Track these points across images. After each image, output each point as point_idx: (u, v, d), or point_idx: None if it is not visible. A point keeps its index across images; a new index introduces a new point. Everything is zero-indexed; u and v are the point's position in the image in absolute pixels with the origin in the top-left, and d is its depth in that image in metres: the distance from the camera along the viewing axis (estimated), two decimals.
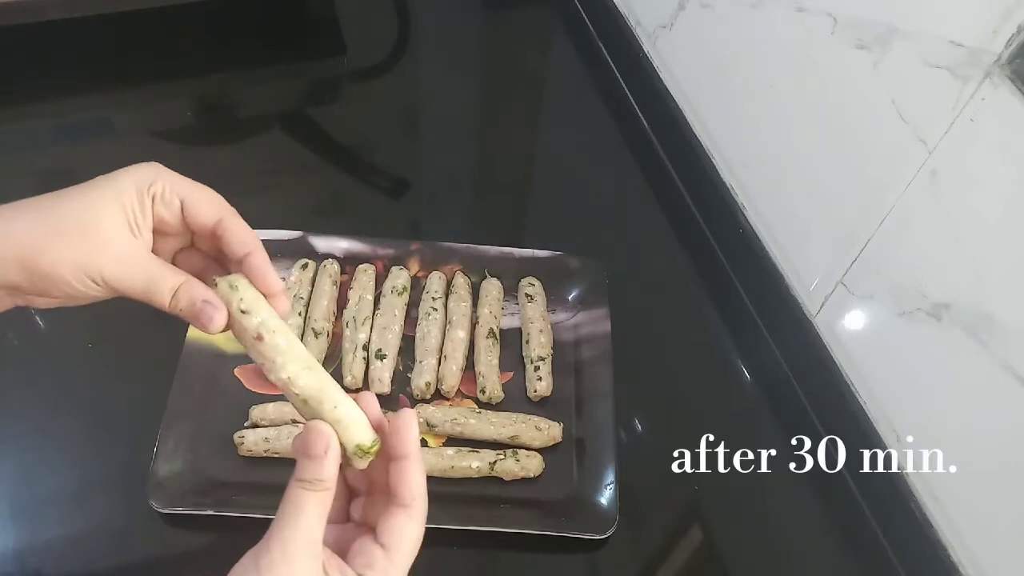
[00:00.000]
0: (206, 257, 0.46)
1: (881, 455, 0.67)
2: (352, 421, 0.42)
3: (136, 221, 0.41)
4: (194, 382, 0.71)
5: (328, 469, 0.40)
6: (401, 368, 0.75)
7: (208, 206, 0.43)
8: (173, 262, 0.45)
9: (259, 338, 0.41)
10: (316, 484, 0.40)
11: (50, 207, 0.40)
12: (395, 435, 0.42)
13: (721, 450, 0.74)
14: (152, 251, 0.43)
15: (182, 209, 0.43)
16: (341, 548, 0.42)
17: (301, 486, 0.40)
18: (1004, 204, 0.54)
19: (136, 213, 0.41)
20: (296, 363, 0.42)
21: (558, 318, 0.80)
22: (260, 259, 0.43)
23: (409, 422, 0.43)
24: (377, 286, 0.80)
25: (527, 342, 0.77)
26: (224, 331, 0.42)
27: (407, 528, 0.42)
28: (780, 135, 0.76)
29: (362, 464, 0.42)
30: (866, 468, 0.69)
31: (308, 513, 0.40)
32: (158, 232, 0.43)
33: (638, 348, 0.78)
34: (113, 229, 0.40)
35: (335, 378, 0.43)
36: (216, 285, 0.42)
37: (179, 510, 0.63)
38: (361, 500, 0.45)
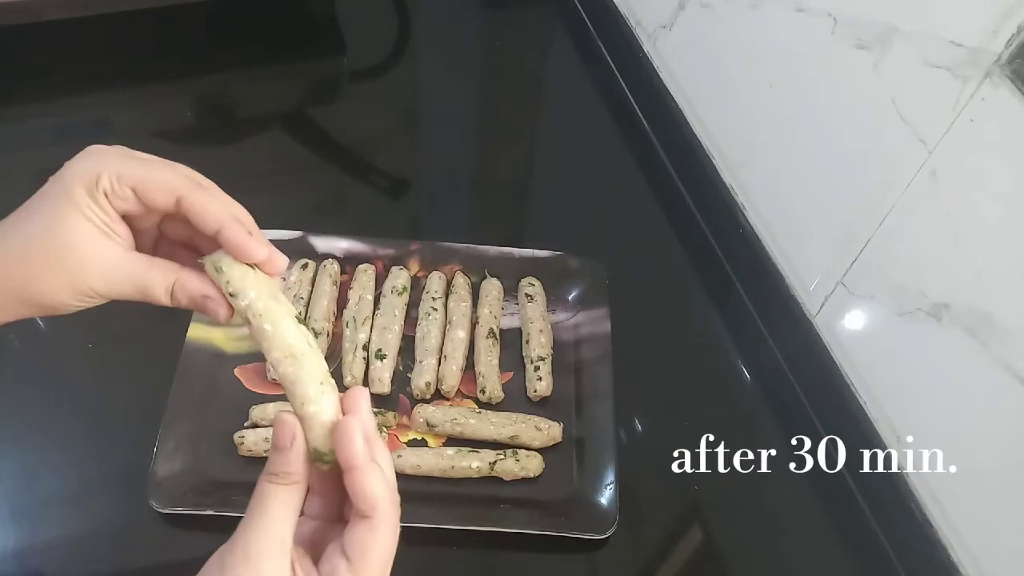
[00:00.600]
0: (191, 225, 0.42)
1: (881, 455, 0.67)
2: (317, 422, 0.39)
3: (105, 223, 0.39)
4: (194, 382, 0.71)
5: (294, 462, 0.39)
6: (401, 368, 0.75)
7: (160, 191, 0.40)
8: (161, 238, 0.43)
9: (247, 322, 0.40)
10: (283, 477, 0.38)
11: (22, 234, 0.39)
12: (337, 447, 0.39)
13: (721, 450, 0.74)
14: (136, 242, 0.41)
15: (136, 196, 0.40)
16: (321, 546, 0.40)
17: (268, 479, 0.39)
18: (1004, 204, 0.54)
19: (100, 215, 0.39)
20: (279, 350, 0.40)
21: (558, 318, 0.80)
22: (234, 232, 0.40)
23: (348, 431, 0.39)
24: (377, 286, 0.80)
25: (527, 342, 0.77)
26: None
27: (368, 540, 0.39)
28: (780, 135, 0.76)
29: (323, 468, 0.40)
30: (866, 468, 0.69)
31: (274, 509, 0.38)
32: (130, 220, 0.41)
33: (638, 348, 0.78)
34: (87, 241, 0.39)
35: (335, 378, 0.42)
36: (208, 268, 0.40)
37: (179, 510, 0.63)
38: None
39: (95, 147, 0.41)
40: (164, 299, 0.41)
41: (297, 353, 0.40)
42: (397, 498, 0.41)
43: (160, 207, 0.40)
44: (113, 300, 0.41)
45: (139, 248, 0.42)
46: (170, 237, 0.44)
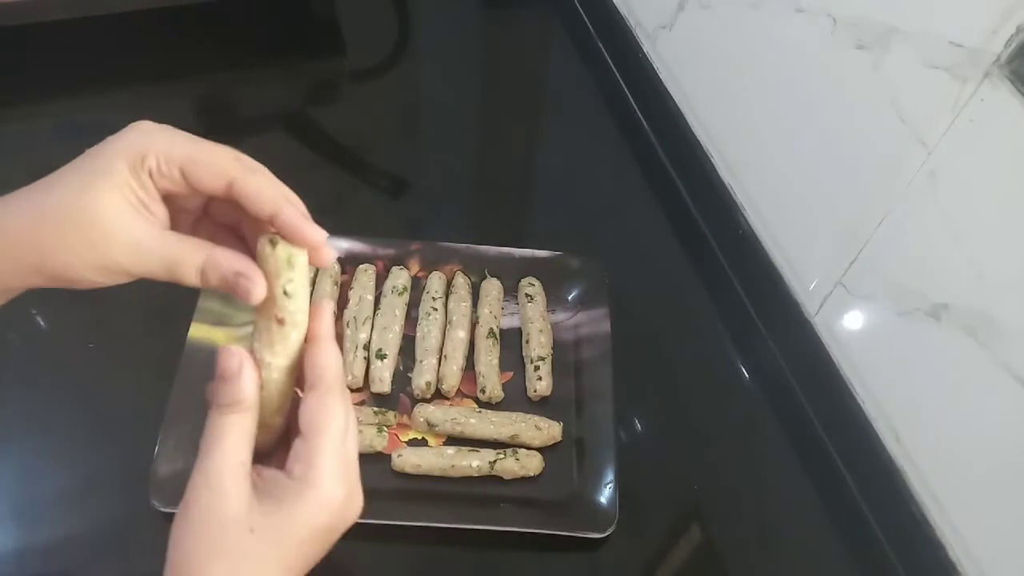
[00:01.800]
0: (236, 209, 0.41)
1: (881, 455, 0.67)
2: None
3: (141, 200, 0.38)
4: (194, 382, 0.71)
5: (245, 389, 0.38)
6: (401, 368, 0.76)
7: (210, 173, 0.38)
8: (202, 220, 0.42)
9: (280, 322, 0.39)
10: (235, 406, 0.38)
11: (49, 202, 0.37)
12: (312, 318, 0.40)
13: (721, 450, 0.74)
14: (172, 220, 0.40)
15: (183, 177, 0.39)
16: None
17: (219, 411, 0.38)
18: (1004, 204, 0.54)
19: (138, 192, 0.38)
20: (284, 359, 0.40)
21: (558, 318, 0.80)
22: (291, 215, 0.39)
23: (326, 310, 0.41)
24: (377, 286, 0.80)
25: (527, 342, 0.77)
26: None
27: (319, 409, 0.39)
28: (780, 135, 0.76)
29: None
30: (866, 468, 0.70)
31: (231, 437, 0.38)
32: (172, 199, 0.40)
33: (638, 348, 0.78)
34: (116, 216, 0.37)
35: None
36: (269, 251, 0.39)
37: None
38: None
39: (143, 123, 0.40)
40: (194, 278, 0.39)
41: (292, 367, 0.41)
42: (344, 380, 0.41)
43: (209, 189, 0.39)
44: (141, 279, 0.39)
45: (178, 229, 0.41)
46: (215, 219, 0.43)
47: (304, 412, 0.40)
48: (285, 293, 0.39)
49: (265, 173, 0.40)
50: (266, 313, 0.40)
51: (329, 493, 0.39)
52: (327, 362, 0.40)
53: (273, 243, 0.39)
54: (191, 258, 0.38)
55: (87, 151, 0.39)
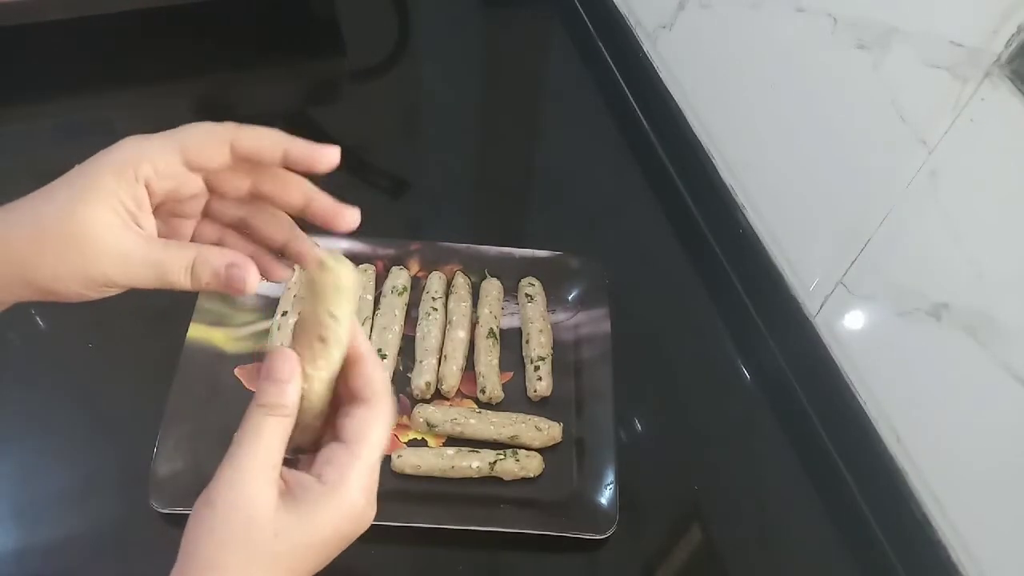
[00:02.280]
0: (240, 204, 0.42)
1: (882, 455, 0.67)
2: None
3: (130, 212, 0.38)
4: (194, 382, 0.71)
5: (291, 395, 0.39)
6: (401, 368, 0.75)
7: (210, 145, 0.40)
8: (204, 223, 0.43)
9: (323, 340, 0.40)
10: (277, 409, 0.38)
11: (37, 217, 0.38)
12: (352, 340, 0.41)
13: (721, 450, 0.74)
14: (172, 230, 0.41)
15: (187, 165, 0.39)
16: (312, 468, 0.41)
17: (263, 411, 0.38)
18: (1004, 204, 0.54)
19: (127, 205, 0.38)
20: (327, 372, 0.41)
21: (558, 318, 0.80)
22: (323, 198, 0.43)
23: (361, 332, 0.42)
24: (377, 286, 0.80)
25: (527, 342, 0.77)
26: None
27: (368, 420, 0.40)
28: (780, 135, 0.76)
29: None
30: (866, 468, 0.69)
31: (267, 437, 0.38)
32: (169, 207, 0.41)
33: (638, 348, 0.78)
34: (105, 230, 0.37)
35: None
36: (318, 275, 0.39)
37: (179, 510, 0.63)
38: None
39: (130, 137, 0.40)
40: (184, 279, 0.39)
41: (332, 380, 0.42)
42: (390, 396, 0.43)
43: (216, 162, 0.40)
44: (132, 289, 0.40)
45: (179, 237, 0.42)
46: (218, 219, 0.43)
47: (351, 421, 0.41)
48: (331, 315, 0.40)
49: (256, 127, 0.42)
50: (309, 330, 0.40)
51: (354, 502, 0.39)
52: (378, 375, 0.42)
53: (323, 267, 0.40)
54: (179, 260, 0.39)
55: (77, 166, 0.39)
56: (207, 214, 0.43)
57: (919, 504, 0.65)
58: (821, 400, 0.75)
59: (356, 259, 0.81)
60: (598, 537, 0.65)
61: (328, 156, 0.41)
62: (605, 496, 0.67)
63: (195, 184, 0.41)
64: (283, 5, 1.08)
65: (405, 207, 0.94)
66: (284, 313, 0.76)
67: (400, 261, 0.82)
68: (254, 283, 0.39)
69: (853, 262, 0.69)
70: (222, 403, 0.71)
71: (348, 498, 0.39)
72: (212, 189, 0.42)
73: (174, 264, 0.39)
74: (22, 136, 0.93)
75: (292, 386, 0.39)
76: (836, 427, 0.73)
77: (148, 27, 0.99)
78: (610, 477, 0.68)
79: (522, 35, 1.16)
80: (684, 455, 0.74)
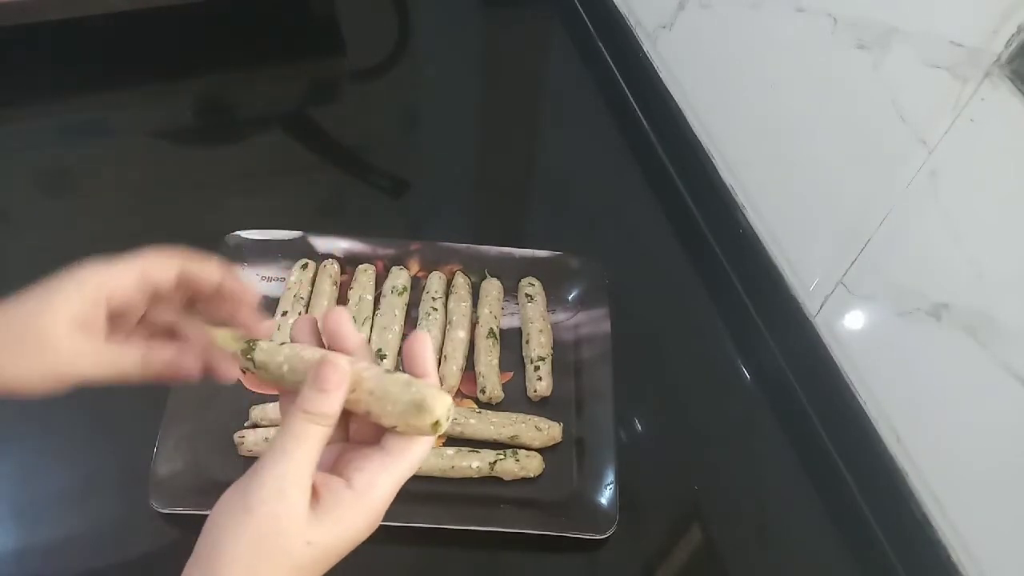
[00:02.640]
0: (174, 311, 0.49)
1: (882, 455, 0.67)
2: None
3: (89, 321, 0.44)
4: (194, 382, 0.71)
5: (336, 404, 0.39)
6: (401, 368, 0.75)
7: (162, 271, 0.46)
8: (138, 327, 0.48)
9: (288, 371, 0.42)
10: (322, 418, 0.39)
11: (5, 322, 0.43)
12: (412, 360, 0.43)
13: (721, 450, 0.74)
14: (113, 328, 0.46)
15: (141, 286, 0.45)
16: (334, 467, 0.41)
17: (307, 418, 0.38)
18: (1004, 204, 0.54)
19: (88, 316, 0.43)
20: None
21: (558, 318, 0.80)
22: (234, 282, 0.47)
23: (420, 347, 0.43)
24: (377, 286, 0.80)
25: (527, 342, 0.77)
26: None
27: (415, 438, 0.41)
28: (780, 135, 0.76)
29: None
30: (866, 468, 0.69)
31: (309, 447, 0.38)
32: (116, 312, 0.46)
33: (638, 348, 0.78)
34: (67, 334, 0.43)
35: None
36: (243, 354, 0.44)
37: (179, 510, 0.63)
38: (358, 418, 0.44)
39: (95, 263, 0.45)
40: (138, 375, 0.45)
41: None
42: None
43: (167, 285, 0.46)
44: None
45: (118, 334, 0.47)
46: (150, 324, 0.49)
47: (399, 435, 0.41)
48: (283, 374, 0.42)
49: (202, 259, 0.47)
50: (282, 378, 0.43)
51: (377, 511, 0.40)
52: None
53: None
54: (131, 357, 0.45)
55: (45, 281, 0.44)
56: (144, 318, 0.48)
57: (919, 504, 0.65)
58: (821, 400, 0.75)
59: (356, 259, 0.81)
60: (598, 537, 0.65)
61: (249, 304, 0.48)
62: (605, 496, 0.67)
63: (143, 299, 0.47)
64: (283, 5, 1.08)
65: (405, 207, 0.94)
66: (284, 313, 0.76)
67: (400, 261, 0.82)
68: (194, 373, 0.46)
69: (853, 262, 0.69)
70: (222, 403, 0.71)
71: (373, 507, 0.39)
72: (153, 301, 0.48)
73: (128, 361, 0.45)
74: (22, 136, 0.93)
75: (338, 395, 0.39)
76: (836, 427, 0.73)
77: (148, 27, 0.99)
78: (610, 477, 0.68)
79: (522, 35, 1.16)
80: (684, 455, 0.74)
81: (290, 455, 0.38)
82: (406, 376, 0.41)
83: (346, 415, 0.42)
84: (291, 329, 0.45)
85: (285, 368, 0.42)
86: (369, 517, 0.40)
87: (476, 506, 0.67)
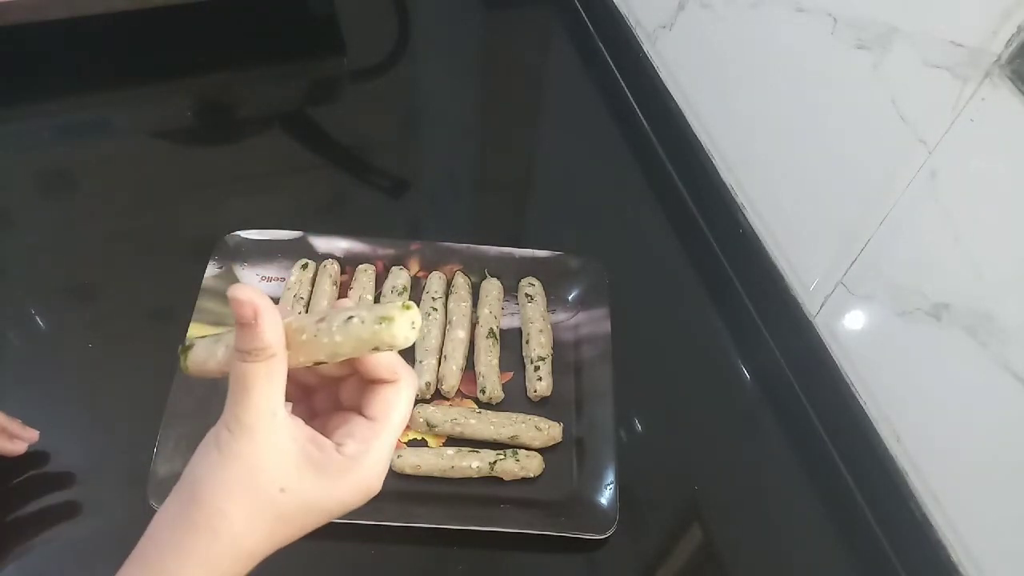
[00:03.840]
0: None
1: (882, 455, 0.67)
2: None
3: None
4: (194, 382, 0.71)
5: (265, 335, 0.37)
6: None
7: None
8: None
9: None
10: (256, 354, 0.37)
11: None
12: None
13: (721, 450, 0.74)
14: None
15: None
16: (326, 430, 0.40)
17: (241, 358, 0.37)
18: (1004, 204, 0.54)
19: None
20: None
21: (558, 318, 0.80)
22: None
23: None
24: (377, 286, 0.80)
25: (527, 342, 0.77)
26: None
27: (392, 399, 0.40)
28: (780, 135, 0.76)
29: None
30: (866, 468, 0.69)
31: (257, 386, 0.37)
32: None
33: (638, 348, 0.78)
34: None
35: None
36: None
37: None
38: (348, 383, 0.43)
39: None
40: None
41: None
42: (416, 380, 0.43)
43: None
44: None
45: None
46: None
47: (378, 401, 0.40)
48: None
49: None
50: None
51: (369, 478, 0.39)
52: (399, 360, 0.41)
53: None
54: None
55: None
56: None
57: (919, 504, 0.65)
58: (821, 400, 0.75)
59: (356, 259, 0.81)
60: (598, 537, 0.65)
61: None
62: (605, 496, 0.67)
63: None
64: (283, 5, 1.08)
65: (405, 207, 0.94)
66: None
67: (400, 261, 0.82)
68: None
69: (853, 262, 0.69)
70: (222, 403, 0.70)
71: (364, 474, 0.39)
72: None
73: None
74: (22, 136, 0.93)
75: (264, 326, 0.37)
76: (836, 427, 0.73)
77: (148, 27, 0.99)
78: (610, 477, 0.68)
79: (522, 35, 1.16)
80: (684, 455, 0.74)
81: (242, 400, 0.37)
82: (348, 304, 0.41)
83: (332, 383, 0.42)
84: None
85: (220, 355, 0.40)
86: (363, 486, 0.39)
87: (476, 506, 0.67)
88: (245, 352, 0.37)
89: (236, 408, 0.38)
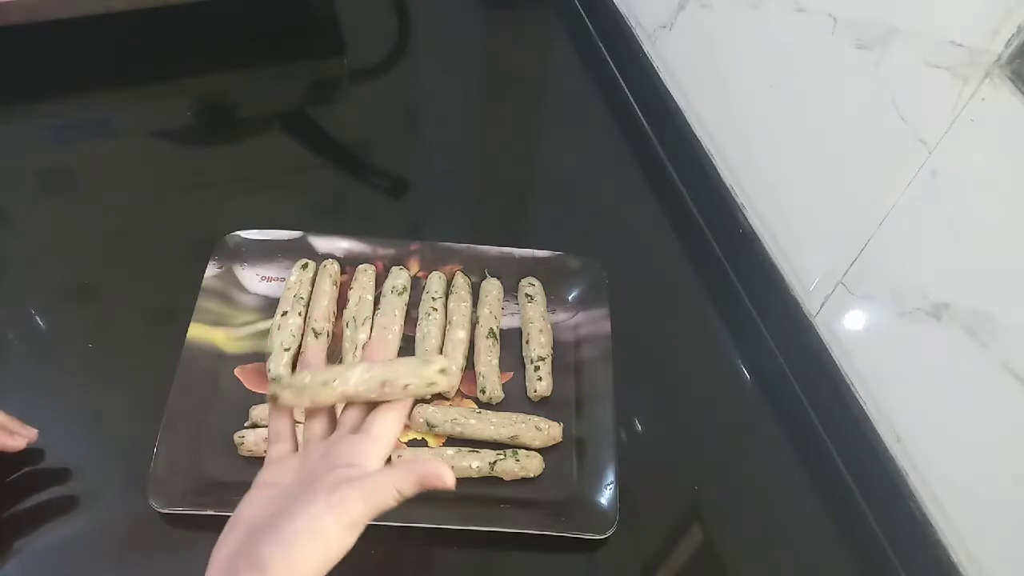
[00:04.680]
0: None
1: (881, 455, 0.67)
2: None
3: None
4: (194, 382, 0.71)
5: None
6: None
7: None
8: None
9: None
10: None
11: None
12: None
13: (721, 450, 0.74)
14: None
15: None
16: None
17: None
18: (1004, 204, 0.54)
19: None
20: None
21: (558, 318, 0.80)
22: None
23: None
24: (377, 286, 0.80)
25: (527, 342, 0.77)
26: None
27: (393, 420, 0.50)
28: (780, 135, 0.76)
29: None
30: (866, 468, 0.69)
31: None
32: None
33: (638, 348, 0.78)
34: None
35: None
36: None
37: (179, 510, 0.63)
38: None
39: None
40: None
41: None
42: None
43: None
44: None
45: None
46: None
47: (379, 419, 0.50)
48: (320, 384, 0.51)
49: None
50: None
51: None
52: None
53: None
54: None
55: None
56: None
57: (919, 504, 0.65)
58: (821, 400, 0.75)
59: (356, 259, 0.81)
60: (598, 537, 0.65)
61: None
62: (605, 496, 0.67)
63: None
64: (283, 5, 1.08)
65: (405, 207, 0.94)
66: (284, 313, 0.76)
67: (400, 261, 0.82)
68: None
69: (853, 262, 0.69)
70: (222, 403, 0.71)
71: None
72: None
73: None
74: (22, 136, 0.93)
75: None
76: (836, 427, 0.73)
77: (148, 27, 0.99)
78: (610, 478, 0.68)
79: (522, 35, 1.16)
80: (684, 455, 0.74)
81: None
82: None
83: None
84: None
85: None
86: None
87: (476, 506, 0.67)
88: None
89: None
